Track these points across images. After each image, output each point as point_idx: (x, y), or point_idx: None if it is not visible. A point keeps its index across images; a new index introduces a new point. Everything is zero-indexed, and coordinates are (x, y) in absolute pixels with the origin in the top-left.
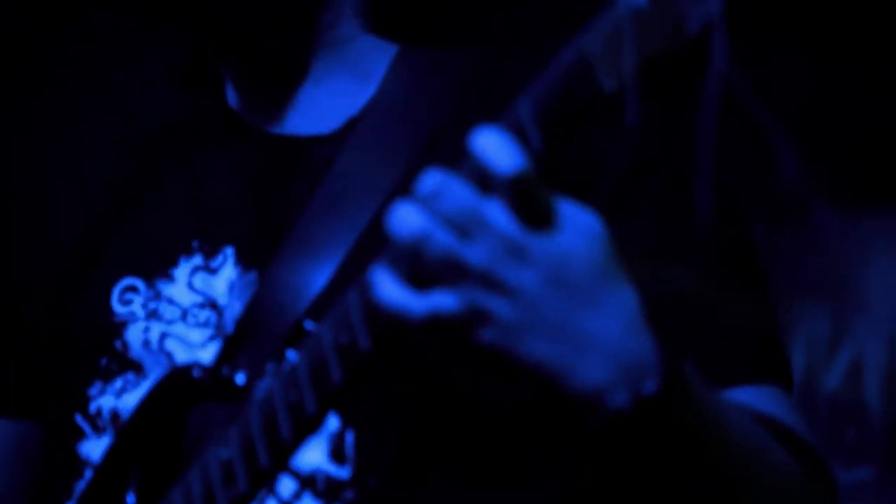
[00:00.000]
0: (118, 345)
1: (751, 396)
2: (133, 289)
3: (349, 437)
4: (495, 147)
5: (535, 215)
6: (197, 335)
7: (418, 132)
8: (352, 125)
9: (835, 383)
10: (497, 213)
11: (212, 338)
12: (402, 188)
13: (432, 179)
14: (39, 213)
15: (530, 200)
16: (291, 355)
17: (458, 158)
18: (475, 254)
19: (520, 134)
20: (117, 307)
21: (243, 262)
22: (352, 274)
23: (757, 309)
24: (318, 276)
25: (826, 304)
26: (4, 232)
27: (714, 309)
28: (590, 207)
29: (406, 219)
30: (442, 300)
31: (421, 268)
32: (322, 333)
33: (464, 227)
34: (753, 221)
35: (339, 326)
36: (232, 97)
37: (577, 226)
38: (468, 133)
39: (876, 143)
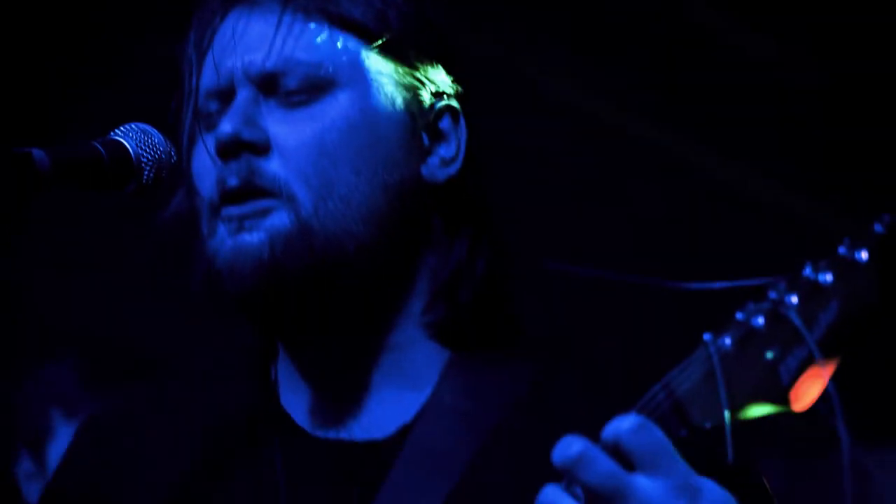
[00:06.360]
0: None
1: None
2: None
3: None
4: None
5: (677, 486)
6: None
7: (470, 440)
8: (405, 431)
9: None
10: (643, 484)
11: None
12: (456, 495)
13: (575, 447)
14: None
15: (672, 474)
16: None
17: (511, 468)
18: None
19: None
20: None
21: None
22: None
23: None
24: None
25: None
26: None
27: None
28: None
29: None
30: None
31: None
32: None
33: (610, 497)
34: None
35: None
36: (285, 398)
37: (715, 498)
38: (519, 445)
39: None
